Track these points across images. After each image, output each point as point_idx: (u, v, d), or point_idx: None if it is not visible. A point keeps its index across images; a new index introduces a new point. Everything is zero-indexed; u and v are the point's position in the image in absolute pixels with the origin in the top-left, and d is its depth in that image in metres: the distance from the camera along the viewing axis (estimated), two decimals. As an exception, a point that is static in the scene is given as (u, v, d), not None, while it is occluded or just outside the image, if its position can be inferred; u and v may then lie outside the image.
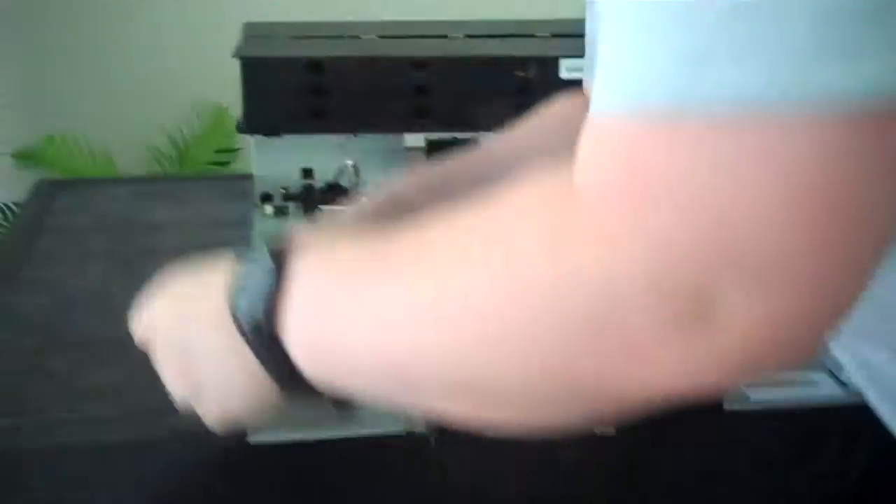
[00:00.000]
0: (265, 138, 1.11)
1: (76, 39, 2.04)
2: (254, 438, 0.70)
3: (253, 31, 1.21)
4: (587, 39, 0.78)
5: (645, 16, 0.33)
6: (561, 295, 0.36)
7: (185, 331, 0.57)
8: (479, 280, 0.39)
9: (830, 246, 0.32)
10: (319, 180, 1.13)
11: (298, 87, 1.08)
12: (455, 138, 1.13)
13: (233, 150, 2.11)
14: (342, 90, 1.09)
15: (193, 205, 1.17)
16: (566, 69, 1.10)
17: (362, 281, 0.45)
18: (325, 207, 1.11)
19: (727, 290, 0.33)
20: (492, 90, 1.11)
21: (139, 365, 0.79)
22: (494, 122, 1.12)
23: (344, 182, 1.14)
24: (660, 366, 0.35)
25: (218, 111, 2.13)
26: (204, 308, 0.55)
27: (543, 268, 0.37)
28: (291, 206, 1.11)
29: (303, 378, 0.49)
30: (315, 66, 1.08)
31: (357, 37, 1.18)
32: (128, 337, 0.83)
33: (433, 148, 1.13)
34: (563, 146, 0.39)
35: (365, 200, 0.73)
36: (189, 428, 0.70)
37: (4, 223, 1.96)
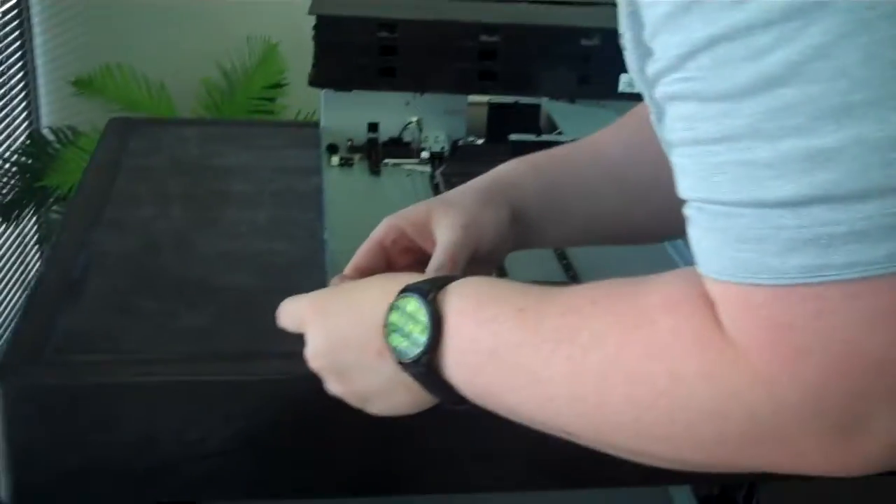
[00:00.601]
0: (334, 92, 1.16)
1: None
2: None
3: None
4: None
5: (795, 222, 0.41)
6: (724, 416, 0.45)
7: (345, 356, 0.63)
8: (640, 390, 0.47)
9: None
10: (384, 134, 1.18)
11: (370, 46, 1.13)
12: (517, 102, 1.18)
13: (281, 86, 2.15)
14: (411, 50, 1.14)
15: (261, 150, 1.22)
16: (628, 41, 1.14)
17: (519, 341, 0.53)
18: (389, 160, 1.16)
19: (879, 412, 0.42)
20: (555, 57, 1.15)
21: (226, 309, 0.86)
22: (556, 88, 1.17)
23: (407, 137, 1.19)
24: (818, 463, 0.45)
25: (268, 47, 2.17)
26: (361, 337, 0.62)
27: (706, 395, 0.45)
28: (357, 157, 1.17)
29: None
30: (387, 26, 1.12)
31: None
32: (214, 282, 0.90)
33: (495, 110, 1.18)
34: (649, 145, 0.57)
35: (471, 183, 0.77)
36: (275, 373, 0.77)
37: (59, 145, 2.02)
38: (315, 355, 0.66)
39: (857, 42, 0.39)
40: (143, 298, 0.87)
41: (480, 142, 1.16)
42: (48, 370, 0.76)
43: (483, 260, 0.75)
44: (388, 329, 0.59)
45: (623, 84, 1.17)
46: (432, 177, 1.13)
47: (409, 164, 1.16)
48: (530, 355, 0.53)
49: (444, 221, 0.73)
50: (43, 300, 0.85)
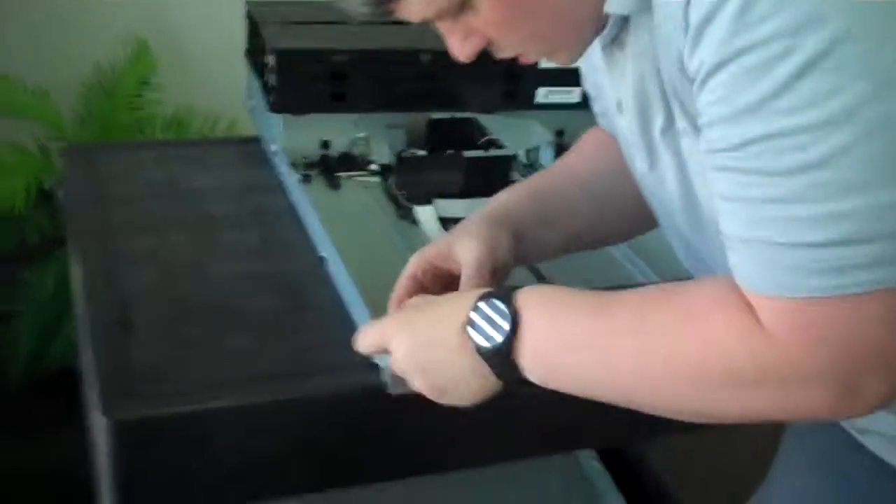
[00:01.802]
0: (292, 117, 1.28)
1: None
2: (394, 390, 0.91)
3: (262, 14, 1.37)
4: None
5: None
6: (763, 384, 0.65)
7: (430, 353, 0.78)
8: (700, 370, 0.66)
9: None
10: (335, 150, 1.32)
11: (322, 74, 1.26)
12: (453, 116, 1.34)
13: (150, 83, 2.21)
14: (359, 76, 1.28)
15: (220, 170, 1.34)
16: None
17: (592, 329, 0.71)
18: (341, 174, 1.30)
19: (871, 378, 0.63)
20: (483, 77, 1.32)
21: (262, 331, 1.00)
22: (485, 103, 1.34)
23: (356, 152, 1.33)
24: (829, 409, 0.65)
25: (140, 43, 2.23)
26: (445, 337, 0.77)
27: (751, 369, 0.64)
28: (314, 173, 1.30)
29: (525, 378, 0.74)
30: (338, 57, 1.26)
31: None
32: (241, 305, 1.03)
33: (434, 124, 1.34)
34: (614, 162, 0.81)
35: (479, 212, 0.93)
36: (323, 390, 0.92)
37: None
38: (402, 357, 0.80)
39: (870, 143, 0.58)
40: (187, 327, 0.99)
41: (422, 153, 1.32)
42: (144, 403, 0.88)
43: (496, 275, 0.92)
44: (470, 326, 0.75)
45: (539, 97, 1.35)
46: (387, 187, 1.28)
47: (360, 177, 1.31)
48: (603, 342, 0.70)
49: (467, 246, 0.89)
50: (104, 338, 0.96)
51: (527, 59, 0.80)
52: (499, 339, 0.73)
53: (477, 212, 0.95)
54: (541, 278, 1.08)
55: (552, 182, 0.99)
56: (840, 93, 0.58)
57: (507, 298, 0.74)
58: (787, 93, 0.59)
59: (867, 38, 0.58)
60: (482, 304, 0.75)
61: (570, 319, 0.72)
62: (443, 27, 0.77)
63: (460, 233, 0.92)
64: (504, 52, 0.79)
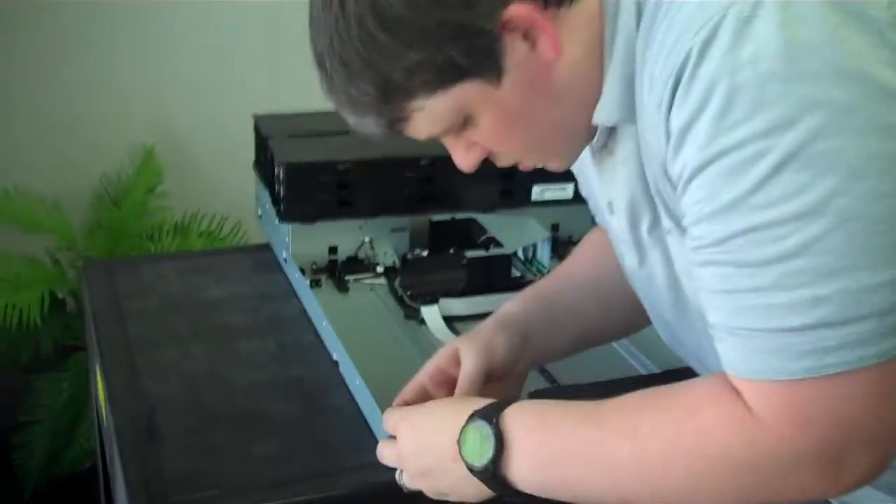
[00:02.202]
0: (301, 225, 1.35)
1: (15, 98, 2.20)
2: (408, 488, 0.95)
3: (269, 128, 1.44)
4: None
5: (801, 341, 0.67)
6: (760, 468, 0.69)
7: (429, 459, 0.85)
8: (698, 463, 0.71)
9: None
10: (342, 254, 1.38)
11: (329, 184, 1.33)
12: (454, 217, 1.41)
13: (155, 190, 2.29)
14: (364, 184, 1.35)
15: (235, 279, 1.40)
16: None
17: (586, 440, 0.76)
18: (349, 277, 1.36)
19: (856, 455, 0.68)
20: (480, 178, 1.38)
21: (286, 436, 1.05)
22: (483, 203, 1.41)
23: (361, 255, 1.39)
24: (816, 490, 0.70)
25: (147, 152, 2.31)
26: (442, 446, 0.83)
27: (747, 457, 0.69)
28: (323, 277, 1.36)
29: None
30: (343, 167, 1.33)
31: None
32: (264, 411, 1.08)
33: (435, 225, 1.41)
34: (613, 263, 0.89)
35: (490, 317, 1.00)
36: (346, 488, 0.97)
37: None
38: (405, 456, 0.87)
39: (841, 232, 0.64)
40: (214, 435, 1.04)
41: (425, 254, 1.38)
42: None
43: (506, 376, 0.97)
44: (462, 444, 0.81)
45: (535, 194, 1.42)
46: (393, 289, 1.34)
47: (367, 279, 1.37)
48: (598, 449, 0.75)
49: (466, 352, 0.96)
50: (132, 449, 1.01)
51: (524, 166, 0.87)
52: (486, 460, 0.79)
53: (491, 316, 1.01)
54: (544, 373, 1.14)
55: (557, 287, 1.05)
56: (810, 188, 0.64)
57: (494, 419, 0.80)
58: (762, 190, 0.65)
59: (834, 136, 0.64)
60: (471, 424, 0.81)
61: (560, 432, 0.78)
62: (447, 142, 0.85)
63: (465, 337, 0.98)
64: (503, 161, 0.86)
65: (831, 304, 0.65)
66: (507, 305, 1.02)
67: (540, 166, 0.88)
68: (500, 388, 0.96)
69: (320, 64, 0.79)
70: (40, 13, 2.19)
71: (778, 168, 0.65)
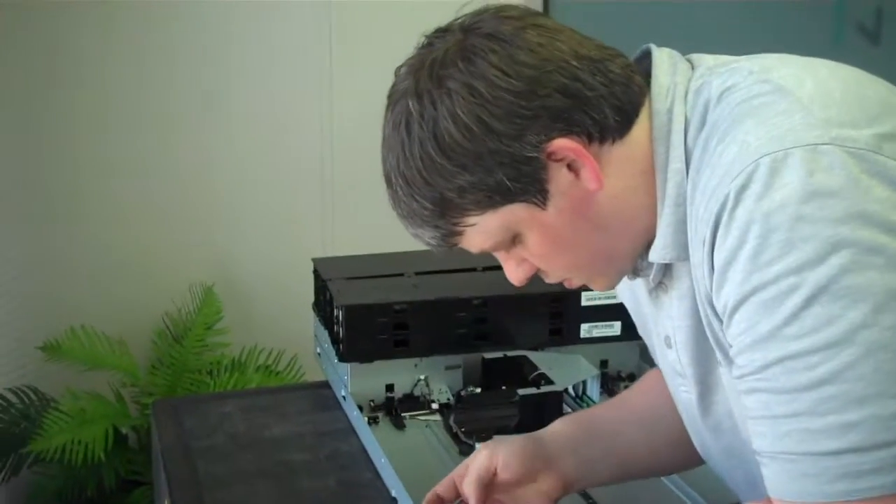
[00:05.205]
0: (359, 364, 1.41)
1: (84, 241, 2.33)
2: None
3: (327, 270, 1.52)
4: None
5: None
6: None
7: None
8: None
9: None
10: (398, 392, 1.44)
11: (386, 325, 1.40)
12: (505, 355, 1.46)
13: (214, 327, 2.38)
14: (419, 324, 1.41)
15: (295, 417, 1.46)
16: (586, 299, 1.45)
17: None
18: (405, 414, 1.41)
19: None
20: (531, 317, 1.45)
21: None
22: (534, 341, 1.47)
23: (417, 392, 1.45)
24: None
25: (207, 291, 2.40)
26: None
27: None
28: (380, 415, 1.41)
29: None
30: (399, 309, 1.40)
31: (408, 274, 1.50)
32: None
33: (488, 363, 1.46)
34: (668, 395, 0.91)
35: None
36: None
37: (20, 404, 2.17)
38: None
39: (870, 361, 0.70)
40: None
41: (479, 391, 1.43)
42: None
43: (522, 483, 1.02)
44: None
45: (583, 332, 1.48)
46: (448, 425, 1.39)
47: (422, 416, 1.42)
48: None
49: (477, 455, 1.03)
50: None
51: (571, 284, 0.94)
52: None
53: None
54: (588, 499, 1.17)
55: (604, 413, 1.11)
56: (839, 319, 0.71)
57: None
58: (795, 322, 0.72)
59: (861, 271, 0.71)
60: None
61: None
62: (499, 256, 0.92)
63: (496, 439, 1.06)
64: (551, 278, 0.93)
65: (862, 430, 0.70)
66: (552, 425, 1.07)
67: (584, 299, 0.95)
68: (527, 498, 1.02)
69: (388, 179, 0.88)
70: (103, 169, 2.34)
71: (809, 301, 0.71)
